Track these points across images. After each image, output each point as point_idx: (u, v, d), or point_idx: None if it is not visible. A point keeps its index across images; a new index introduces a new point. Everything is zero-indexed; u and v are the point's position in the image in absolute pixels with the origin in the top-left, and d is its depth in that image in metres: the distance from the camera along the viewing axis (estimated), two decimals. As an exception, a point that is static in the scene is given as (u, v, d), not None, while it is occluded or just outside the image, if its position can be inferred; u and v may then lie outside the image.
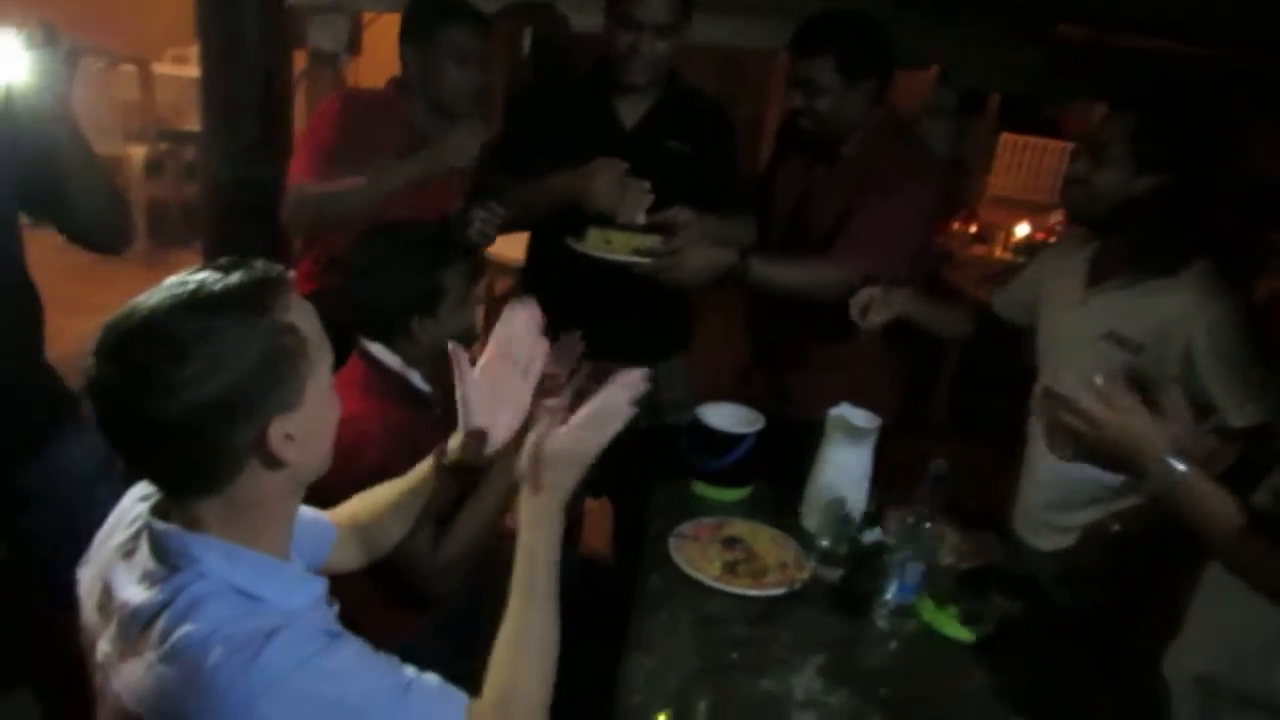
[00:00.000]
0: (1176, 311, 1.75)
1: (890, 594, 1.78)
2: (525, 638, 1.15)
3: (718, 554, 1.91)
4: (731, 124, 2.49)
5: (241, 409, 0.97)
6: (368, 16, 3.73)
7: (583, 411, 1.22)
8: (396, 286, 1.78)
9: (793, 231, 2.41)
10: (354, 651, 1.02)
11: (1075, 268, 1.99)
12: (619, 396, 1.22)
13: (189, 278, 0.99)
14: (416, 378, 1.82)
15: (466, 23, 2.32)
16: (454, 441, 1.46)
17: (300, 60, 3.48)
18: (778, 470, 2.17)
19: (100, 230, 1.80)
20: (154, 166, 5.85)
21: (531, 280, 2.60)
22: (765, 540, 1.99)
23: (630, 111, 2.38)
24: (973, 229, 5.15)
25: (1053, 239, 5.76)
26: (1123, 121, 1.77)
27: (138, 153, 5.69)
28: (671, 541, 1.93)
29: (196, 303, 0.96)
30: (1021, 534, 2.05)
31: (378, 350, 1.80)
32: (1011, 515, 2.08)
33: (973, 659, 1.73)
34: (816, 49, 2.18)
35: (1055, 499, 2.00)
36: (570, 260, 2.16)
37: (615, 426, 1.22)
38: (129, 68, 5.60)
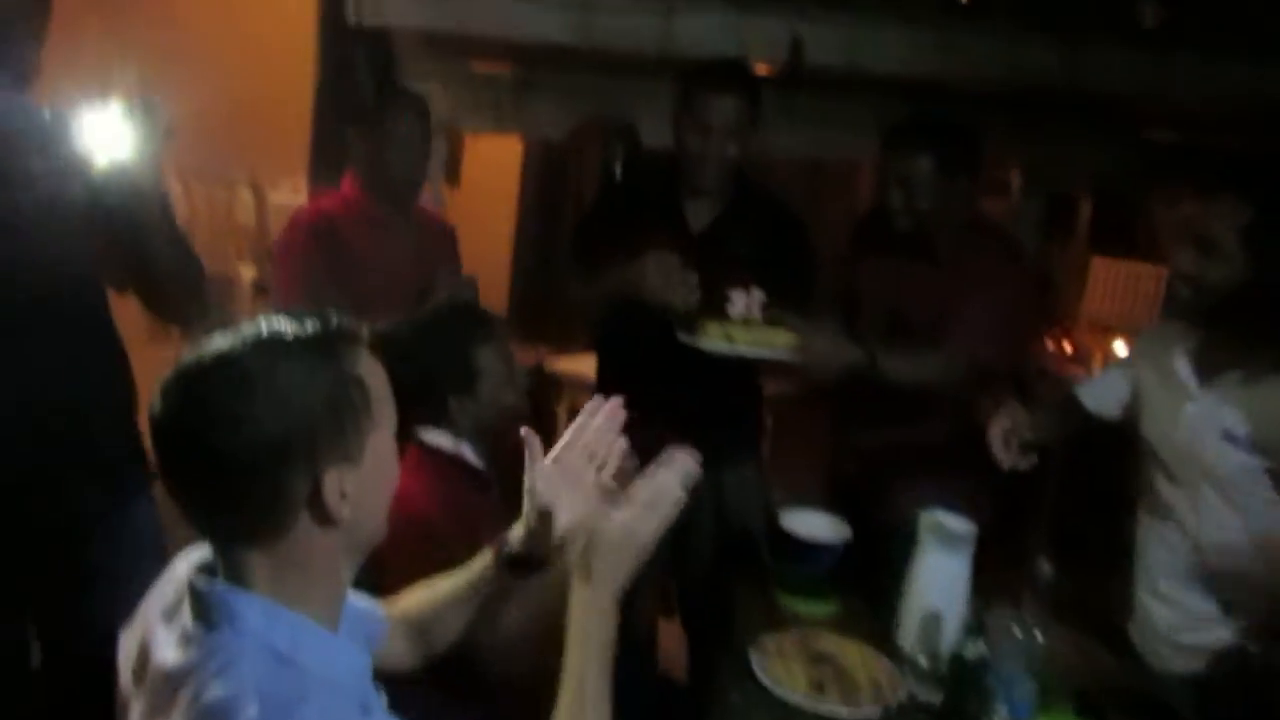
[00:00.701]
0: None
1: (999, 716, 1.60)
2: None
3: (803, 670, 1.76)
4: (803, 226, 2.46)
5: (300, 453, 0.95)
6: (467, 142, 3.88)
7: (635, 496, 1.15)
8: (428, 369, 1.81)
9: (892, 329, 2.37)
10: None
11: (1177, 361, 1.87)
12: (670, 478, 1.16)
13: (263, 324, 0.99)
14: (469, 451, 1.84)
15: (409, 107, 2.45)
16: (516, 532, 1.38)
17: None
18: (866, 580, 2.03)
19: (177, 301, 1.84)
20: (261, 287, 6.12)
21: (602, 388, 2.54)
22: (856, 657, 1.83)
23: (699, 216, 2.37)
24: (1067, 348, 4.97)
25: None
26: (1233, 213, 1.69)
27: (248, 273, 5.96)
28: (753, 656, 1.79)
29: (267, 343, 0.97)
30: (1145, 653, 1.86)
31: (428, 434, 1.82)
32: (1130, 631, 1.89)
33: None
34: (917, 147, 2.21)
35: (1179, 619, 1.83)
36: (638, 366, 2.17)
37: (669, 511, 1.15)
38: (246, 194, 5.94)
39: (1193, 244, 1.74)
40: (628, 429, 1.41)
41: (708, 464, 2.34)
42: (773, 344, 2.13)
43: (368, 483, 1.00)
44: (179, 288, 1.83)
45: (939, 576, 1.85)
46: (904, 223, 2.26)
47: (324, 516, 0.98)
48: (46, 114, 1.62)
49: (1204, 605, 1.79)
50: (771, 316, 2.16)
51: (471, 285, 2.54)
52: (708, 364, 2.18)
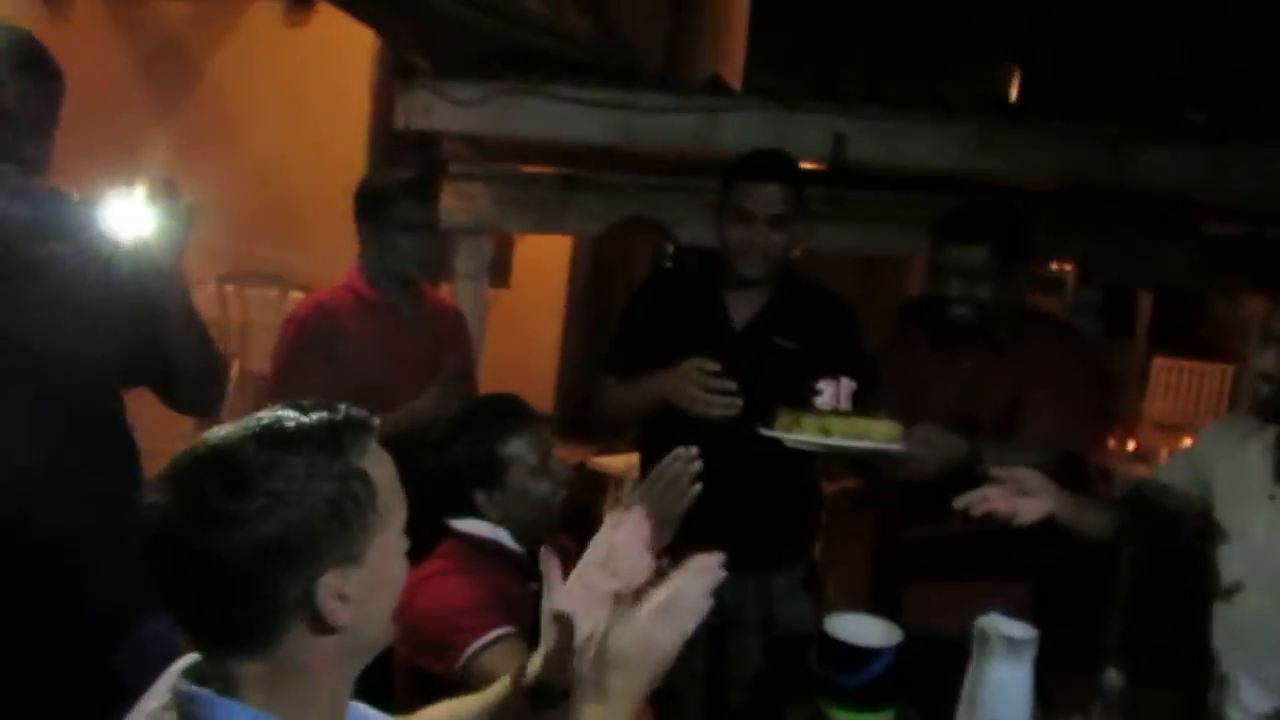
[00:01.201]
0: None
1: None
2: None
3: (856, 789, 1.65)
4: (853, 315, 2.41)
5: (298, 554, 0.88)
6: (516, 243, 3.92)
7: (653, 601, 1.05)
8: (450, 460, 1.83)
9: (960, 423, 2.23)
10: None
11: (1255, 458, 1.78)
12: (694, 584, 1.06)
13: (266, 414, 0.94)
14: (507, 538, 1.83)
15: (411, 195, 2.44)
16: (535, 661, 1.27)
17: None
18: (921, 692, 1.91)
19: (196, 393, 1.83)
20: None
21: None
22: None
23: (741, 309, 2.32)
24: (1131, 445, 4.81)
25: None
26: None
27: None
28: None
29: (268, 436, 0.91)
30: None
31: (462, 524, 1.83)
32: None
33: None
34: (975, 235, 2.17)
35: None
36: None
37: (691, 621, 1.06)
38: (297, 294, 6.05)
39: (1273, 343, 1.69)
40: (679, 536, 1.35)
41: (756, 568, 2.31)
42: (874, 435, 1.99)
43: (371, 584, 0.94)
44: (198, 381, 1.81)
45: (999, 685, 1.73)
46: (961, 312, 2.20)
47: (322, 622, 0.91)
48: (72, 199, 1.64)
49: None
50: (864, 409, 2.07)
51: (463, 373, 2.51)
52: (763, 463, 2.10)
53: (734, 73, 5.59)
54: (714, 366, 2.08)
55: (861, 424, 2.01)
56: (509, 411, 1.90)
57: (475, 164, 3.48)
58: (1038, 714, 1.62)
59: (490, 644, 1.68)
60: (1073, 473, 2.08)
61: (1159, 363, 9.14)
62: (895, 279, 6.51)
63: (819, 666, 1.95)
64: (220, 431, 0.92)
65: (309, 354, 2.37)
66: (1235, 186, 2.90)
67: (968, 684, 1.78)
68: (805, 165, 3.09)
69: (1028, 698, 1.71)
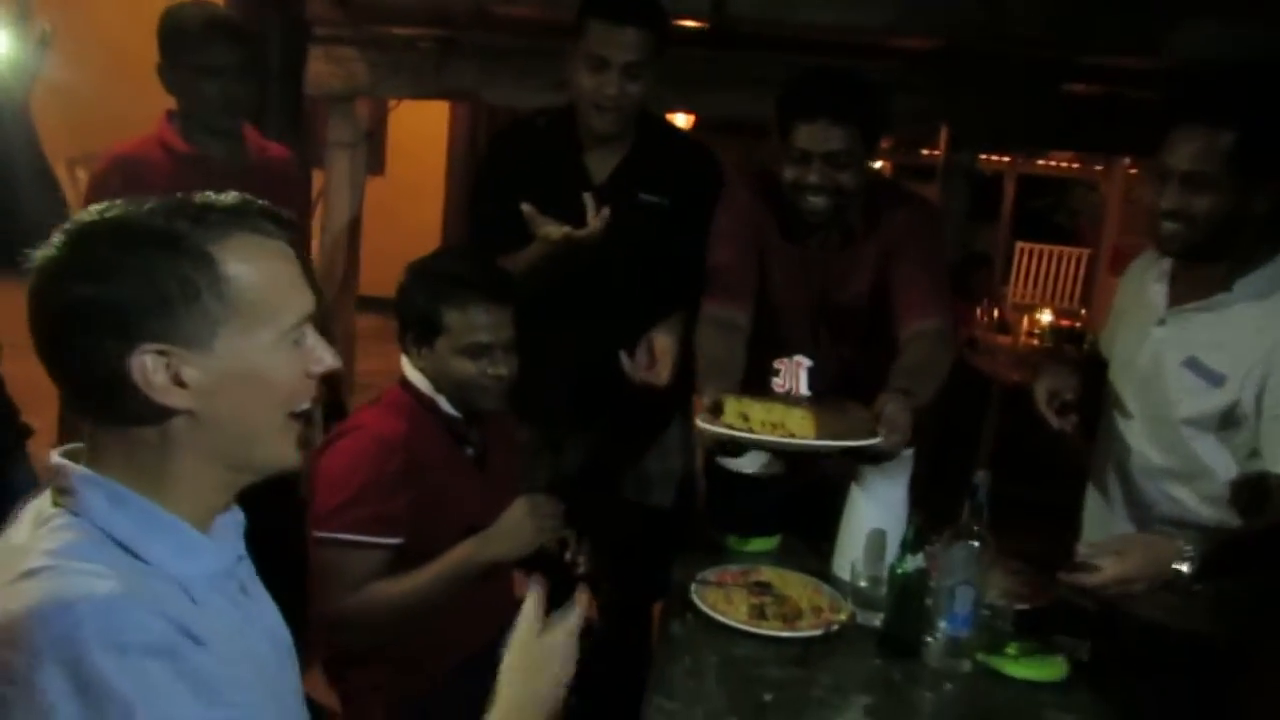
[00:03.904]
0: (1268, 342, 1.61)
1: (940, 628, 1.58)
2: None
3: (744, 599, 1.72)
4: (717, 165, 2.28)
5: (107, 320, 0.89)
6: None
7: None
8: (405, 302, 1.82)
9: (823, 318, 2.15)
10: (197, 669, 0.86)
11: (1153, 286, 1.81)
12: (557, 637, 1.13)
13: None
14: (444, 403, 1.83)
15: (215, 33, 2.21)
16: None
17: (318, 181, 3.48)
18: (807, 526, 2.00)
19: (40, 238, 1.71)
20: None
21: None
22: (796, 585, 1.79)
23: (601, 165, 2.18)
24: (995, 316, 5.05)
25: (1078, 325, 5.68)
26: (1217, 142, 1.59)
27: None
28: (694, 588, 1.74)
29: (119, 211, 0.93)
30: None
31: (410, 372, 1.83)
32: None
33: (1042, 700, 1.52)
34: (843, 114, 1.88)
35: None
36: (557, 333, 2.07)
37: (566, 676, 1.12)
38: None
39: (1171, 179, 1.64)
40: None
41: (639, 430, 2.32)
42: (790, 426, 1.69)
43: (226, 378, 0.93)
44: (43, 229, 1.70)
45: (877, 501, 1.83)
46: (818, 202, 1.93)
47: (150, 401, 0.90)
48: None
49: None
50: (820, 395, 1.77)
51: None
52: (632, 337, 2.08)
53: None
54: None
55: (783, 413, 1.71)
56: (462, 282, 1.81)
57: (345, 26, 3.31)
58: (914, 519, 1.71)
59: (344, 544, 1.69)
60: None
61: (1021, 247, 9.60)
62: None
63: (709, 497, 2.02)
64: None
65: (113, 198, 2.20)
66: (1100, 41, 2.96)
67: (849, 501, 1.88)
68: (684, 23, 3.05)
69: (903, 508, 1.81)
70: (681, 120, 4.84)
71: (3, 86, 1.52)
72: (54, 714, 0.80)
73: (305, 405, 1.00)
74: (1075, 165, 8.84)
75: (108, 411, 0.92)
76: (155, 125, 2.28)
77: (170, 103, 2.28)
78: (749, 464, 1.99)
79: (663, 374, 2.05)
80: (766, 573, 1.83)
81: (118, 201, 0.94)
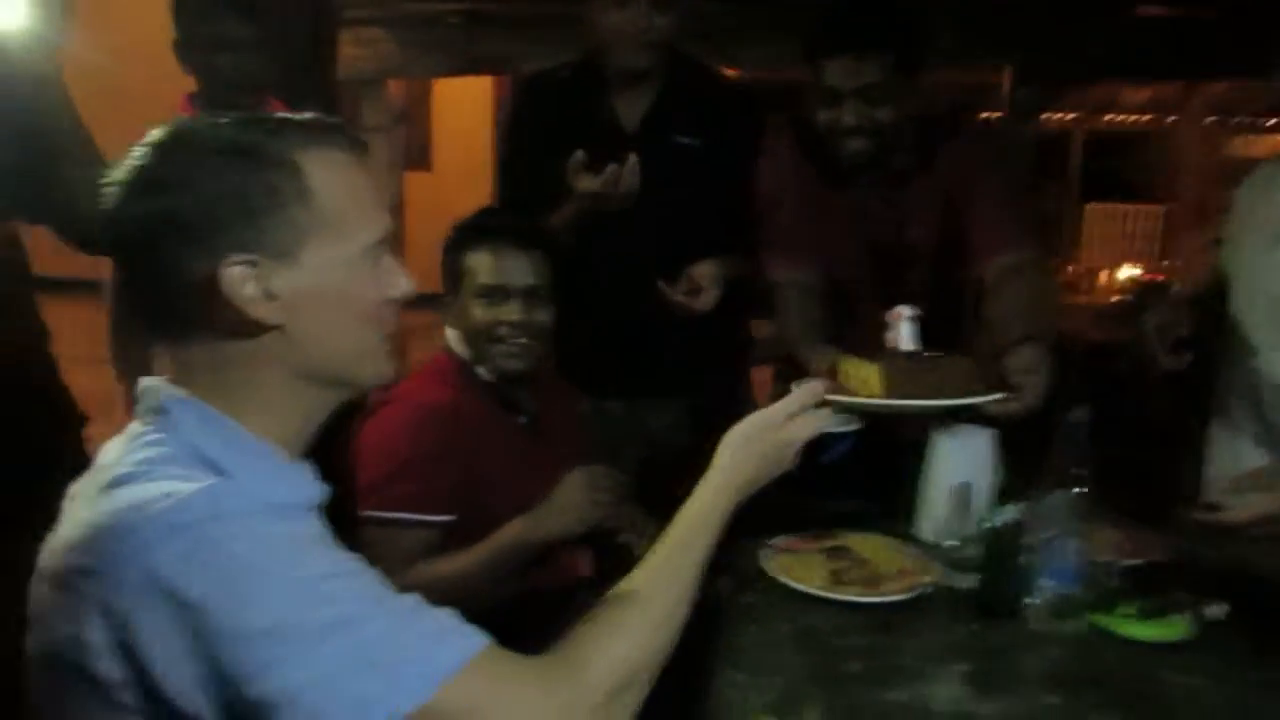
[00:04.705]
0: None
1: (1043, 586, 1.41)
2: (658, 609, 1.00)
3: (820, 564, 1.56)
4: (757, 109, 2.15)
5: (193, 229, 0.87)
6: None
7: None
8: (442, 262, 1.76)
9: (883, 268, 1.98)
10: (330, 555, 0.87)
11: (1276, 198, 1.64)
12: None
13: None
14: (482, 370, 1.75)
15: (224, 10, 2.18)
16: None
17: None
18: (879, 489, 1.83)
19: (92, 218, 1.62)
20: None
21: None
22: (878, 548, 1.63)
23: (630, 109, 2.07)
24: (1070, 271, 4.80)
25: (1163, 277, 5.37)
26: None
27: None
28: (763, 554, 1.59)
29: (197, 121, 0.92)
30: None
31: (451, 334, 1.76)
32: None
33: (1162, 662, 1.34)
34: (871, 43, 1.74)
35: None
36: (596, 287, 1.98)
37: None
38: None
39: None
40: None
41: (684, 391, 2.19)
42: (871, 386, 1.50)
43: (313, 293, 0.91)
44: (93, 203, 1.62)
45: (963, 454, 1.66)
46: (857, 145, 1.79)
47: (241, 314, 0.88)
48: None
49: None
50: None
51: None
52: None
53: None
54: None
55: (909, 376, 1.51)
56: (484, 227, 1.76)
57: (372, 7, 3.23)
58: (1002, 467, 1.54)
59: (388, 523, 1.60)
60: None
61: (1091, 208, 9.20)
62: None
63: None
64: None
65: None
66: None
67: (931, 457, 1.71)
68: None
69: (991, 462, 1.64)
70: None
71: (31, 56, 1.44)
72: (131, 617, 0.79)
73: (392, 327, 1.00)
74: (1146, 118, 8.46)
75: (198, 328, 0.91)
76: (176, 109, 2.21)
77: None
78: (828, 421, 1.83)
79: (705, 298, 1.92)
80: (843, 536, 1.67)
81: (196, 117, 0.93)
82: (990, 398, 1.51)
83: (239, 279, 0.88)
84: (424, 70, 3.44)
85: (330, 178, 0.92)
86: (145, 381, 0.94)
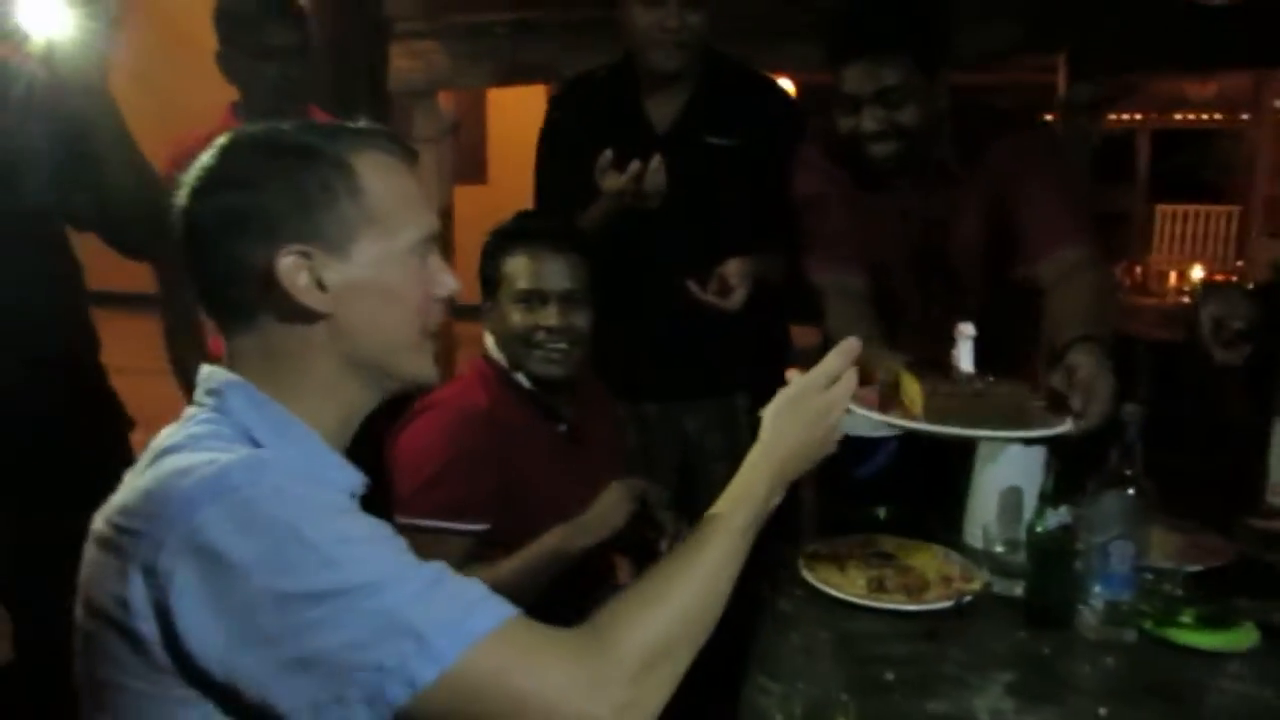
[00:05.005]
0: None
1: (1095, 593, 1.35)
2: (699, 581, 0.97)
3: (861, 571, 1.52)
4: (792, 107, 2.12)
5: (254, 222, 0.94)
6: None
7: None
8: (480, 268, 1.75)
9: (930, 273, 1.93)
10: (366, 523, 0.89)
11: None
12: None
13: None
14: (522, 378, 1.72)
15: (271, 12, 2.11)
16: None
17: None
18: (928, 495, 1.77)
19: (138, 224, 1.65)
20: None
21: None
22: (922, 554, 1.58)
23: (662, 110, 2.04)
24: (1138, 275, 4.65)
25: (1234, 278, 5.19)
26: None
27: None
28: (802, 561, 1.55)
29: (265, 128, 0.99)
30: None
31: (488, 339, 1.75)
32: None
33: (1227, 671, 1.28)
34: (889, 45, 1.69)
35: None
36: (631, 290, 1.95)
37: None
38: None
39: None
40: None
41: (718, 392, 2.15)
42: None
43: (362, 285, 0.96)
44: (136, 207, 1.64)
45: (1010, 452, 1.59)
46: (884, 150, 1.74)
47: (294, 302, 0.94)
48: None
49: None
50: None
51: None
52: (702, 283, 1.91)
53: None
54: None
55: (948, 397, 1.48)
56: (521, 231, 1.74)
57: (422, 20, 3.26)
58: (1052, 468, 1.48)
59: (424, 531, 1.57)
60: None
61: (1162, 209, 8.94)
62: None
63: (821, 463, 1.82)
64: None
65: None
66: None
67: (978, 462, 1.65)
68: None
69: (1040, 465, 1.58)
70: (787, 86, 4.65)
71: (78, 65, 1.48)
72: (172, 578, 0.82)
73: (436, 325, 1.04)
74: (1217, 116, 8.20)
75: (255, 314, 0.96)
76: (219, 118, 2.20)
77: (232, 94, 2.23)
78: (860, 426, 1.79)
79: (735, 298, 1.88)
80: (886, 542, 1.63)
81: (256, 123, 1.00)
82: (1037, 433, 1.45)
83: (294, 269, 0.93)
84: (474, 80, 3.47)
85: (380, 178, 0.98)
86: (206, 367, 1.00)
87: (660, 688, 0.91)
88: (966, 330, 1.53)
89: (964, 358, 1.52)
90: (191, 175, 0.96)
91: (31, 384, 1.60)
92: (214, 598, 0.81)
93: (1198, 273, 4.65)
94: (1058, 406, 1.50)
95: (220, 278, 0.96)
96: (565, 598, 1.62)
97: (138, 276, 2.19)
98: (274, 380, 0.97)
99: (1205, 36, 3.02)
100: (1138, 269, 4.73)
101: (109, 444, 1.75)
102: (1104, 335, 1.56)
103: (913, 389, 1.49)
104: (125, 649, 0.85)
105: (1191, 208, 8.89)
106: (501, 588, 1.53)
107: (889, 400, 1.55)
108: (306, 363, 0.97)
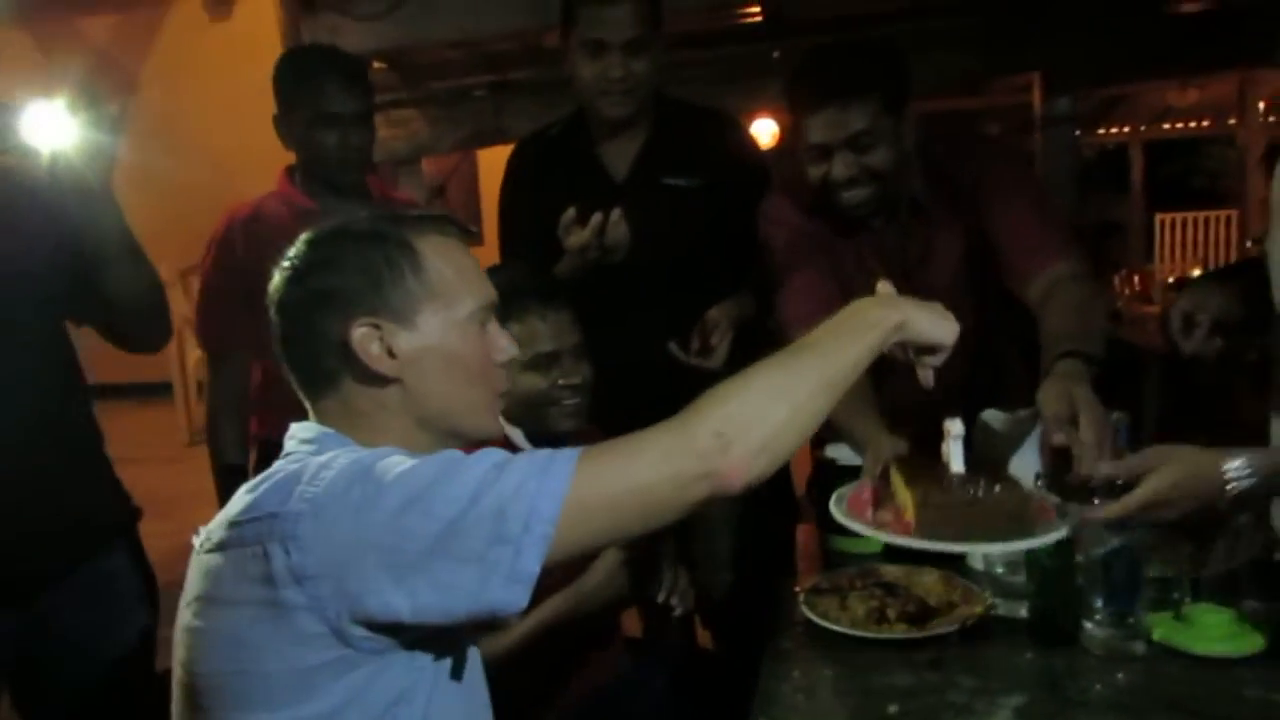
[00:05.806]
0: None
1: (1099, 607, 1.32)
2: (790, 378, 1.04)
3: (861, 602, 1.49)
4: (747, 140, 2.13)
5: (334, 299, 1.07)
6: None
7: None
8: None
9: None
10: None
11: None
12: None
13: None
14: (519, 437, 1.68)
15: (333, 79, 2.02)
16: None
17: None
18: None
19: (140, 321, 1.68)
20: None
21: None
22: (925, 581, 1.55)
23: (618, 159, 2.04)
24: (1138, 285, 4.62)
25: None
26: None
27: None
28: (803, 597, 1.53)
29: (353, 219, 1.14)
30: None
31: None
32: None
33: (1241, 677, 1.24)
34: (856, 89, 1.66)
35: None
36: (605, 337, 1.84)
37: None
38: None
39: None
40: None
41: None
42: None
43: (427, 351, 1.09)
44: (139, 312, 1.67)
45: (1011, 468, 1.57)
46: (856, 195, 1.72)
47: (366, 368, 1.07)
48: None
49: None
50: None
51: None
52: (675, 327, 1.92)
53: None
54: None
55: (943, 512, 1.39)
56: (514, 292, 1.65)
57: (402, 89, 3.31)
58: (1041, 480, 1.46)
59: None
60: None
61: (1161, 218, 8.93)
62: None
63: (818, 497, 1.80)
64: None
65: (237, 248, 2.07)
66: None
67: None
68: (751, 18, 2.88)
69: (1036, 479, 1.56)
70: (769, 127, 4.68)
71: (78, 172, 1.50)
72: (270, 561, 0.95)
73: (505, 387, 1.18)
74: (1205, 123, 8.22)
75: (337, 379, 1.09)
76: (274, 182, 2.18)
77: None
78: (854, 455, 1.77)
79: (717, 355, 1.87)
80: (888, 571, 1.60)
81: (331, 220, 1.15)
82: (1035, 542, 1.37)
83: (366, 338, 1.07)
84: (455, 144, 3.51)
85: (440, 257, 1.11)
86: (296, 423, 1.12)
87: (741, 467, 0.97)
88: (955, 429, 1.46)
89: (954, 458, 1.46)
90: (285, 265, 1.11)
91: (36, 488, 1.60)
92: (333, 549, 0.94)
93: (1197, 274, 4.61)
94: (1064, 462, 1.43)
95: (307, 349, 1.10)
96: (569, 648, 1.60)
97: (141, 368, 2.21)
98: (355, 436, 1.09)
99: (1174, 44, 3.03)
100: (1135, 279, 4.69)
101: (114, 529, 1.74)
102: (1090, 349, 1.54)
103: (904, 496, 1.45)
104: (266, 629, 0.96)
105: (1190, 214, 8.89)
106: (510, 656, 1.52)
107: (882, 495, 1.53)
108: (383, 422, 1.10)
